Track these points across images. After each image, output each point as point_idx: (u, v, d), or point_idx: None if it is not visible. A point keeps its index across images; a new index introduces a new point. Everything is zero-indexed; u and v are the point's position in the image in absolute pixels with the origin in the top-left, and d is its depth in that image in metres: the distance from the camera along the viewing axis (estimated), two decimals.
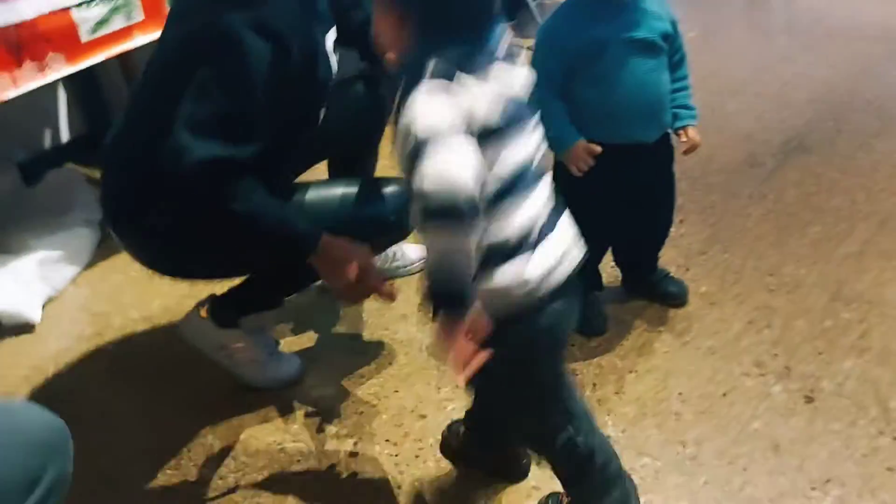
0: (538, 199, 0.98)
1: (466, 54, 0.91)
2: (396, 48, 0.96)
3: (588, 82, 1.38)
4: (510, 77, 0.96)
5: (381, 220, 1.44)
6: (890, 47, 2.75)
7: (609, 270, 1.73)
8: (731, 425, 1.36)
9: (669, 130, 1.48)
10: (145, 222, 1.32)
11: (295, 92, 1.26)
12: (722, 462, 1.29)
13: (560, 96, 1.41)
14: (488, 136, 0.90)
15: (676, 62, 1.45)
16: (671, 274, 1.73)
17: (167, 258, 1.38)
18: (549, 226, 0.99)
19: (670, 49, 1.42)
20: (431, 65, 0.89)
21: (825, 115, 2.38)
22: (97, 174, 2.30)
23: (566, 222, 1.03)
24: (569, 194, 1.49)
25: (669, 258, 1.79)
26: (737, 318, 1.62)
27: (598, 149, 1.39)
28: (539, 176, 0.99)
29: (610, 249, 1.66)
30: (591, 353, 1.56)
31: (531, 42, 1.42)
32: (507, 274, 0.94)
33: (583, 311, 1.62)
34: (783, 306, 1.64)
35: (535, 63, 1.42)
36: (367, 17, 1.22)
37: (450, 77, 0.89)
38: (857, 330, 1.55)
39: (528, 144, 0.97)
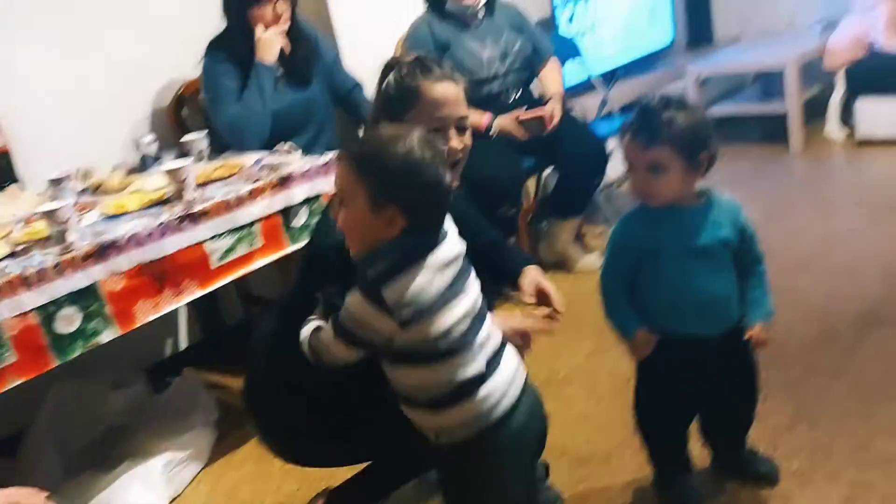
0: (483, 340, 1.29)
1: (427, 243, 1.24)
2: (369, 240, 1.25)
3: (649, 279, 1.55)
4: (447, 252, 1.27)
5: None
6: None
7: (699, 451, 1.78)
8: None
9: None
10: (289, 415, 1.50)
11: None
12: None
13: (625, 290, 1.58)
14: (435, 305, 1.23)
15: (749, 262, 1.57)
16: (760, 453, 1.77)
17: (307, 448, 1.56)
18: (494, 362, 1.29)
19: (738, 252, 1.55)
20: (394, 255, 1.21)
21: None
22: (215, 377, 2.55)
23: (509, 353, 1.34)
24: (650, 382, 1.62)
25: (757, 436, 1.82)
26: (832, 496, 1.63)
27: (654, 338, 1.54)
28: (482, 320, 1.30)
29: (700, 430, 1.73)
30: None
31: (600, 229, 1.60)
32: (464, 409, 1.26)
33: (677, 493, 1.70)
34: (879, 481, 1.64)
35: (606, 258, 1.61)
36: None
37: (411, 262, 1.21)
38: None
39: (467, 301, 1.28)
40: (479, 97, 2.84)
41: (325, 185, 2.08)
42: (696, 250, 1.51)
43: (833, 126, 4.01)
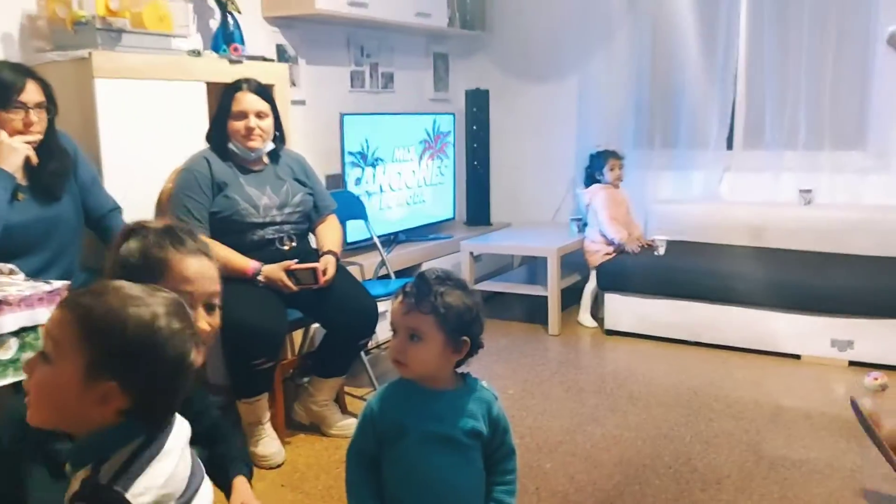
0: None
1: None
2: (66, 416, 1.05)
3: (391, 462, 1.46)
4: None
5: None
6: (682, 413, 3.09)
7: None
8: None
9: None
10: None
11: None
12: None
13: (369, 469, 1.48)
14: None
15: (500, 457, 1.52)
16: None
17: None
18: None
19: (490, 445, 1.50)
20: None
21: (632, 478, 2.56)
22: None
23: None
24: None
25: None
26: None
27: None
28: None
29: None
30: None
31: (362, 392, 1.51)
32: None
33: None
34: None
35: (355, 432, 1.51)
36: None
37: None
38: None
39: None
40: (251, 242, 2.74)
41: (47, 316, 1.81)
42: (442, 437, 1.45)
43: (585, 315, 4.37)
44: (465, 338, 1.46)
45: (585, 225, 4.41)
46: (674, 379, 3.48)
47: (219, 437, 1.60)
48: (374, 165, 4.07)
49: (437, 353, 1.45)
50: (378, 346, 3.81)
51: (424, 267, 3.97)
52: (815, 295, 3.59)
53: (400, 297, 1.47)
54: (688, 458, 2.69)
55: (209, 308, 1.41)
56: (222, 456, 1.57)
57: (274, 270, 2.67)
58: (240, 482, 1.56)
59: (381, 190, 4.15)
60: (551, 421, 3.05)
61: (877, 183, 4.14)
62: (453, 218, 4.84)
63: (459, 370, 1.54)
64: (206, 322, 1.39)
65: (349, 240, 3.79)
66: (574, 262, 4.41)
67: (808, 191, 4.24)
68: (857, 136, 4.23)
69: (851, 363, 3.55)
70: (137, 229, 1.43)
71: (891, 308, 3.44)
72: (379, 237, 3.71)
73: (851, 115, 4.22)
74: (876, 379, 3.27)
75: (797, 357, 3.67)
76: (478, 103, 4.84)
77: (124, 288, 1.08)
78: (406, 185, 4.35)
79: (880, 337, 3.48)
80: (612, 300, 4.14)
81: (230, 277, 2.62)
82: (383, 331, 3.70)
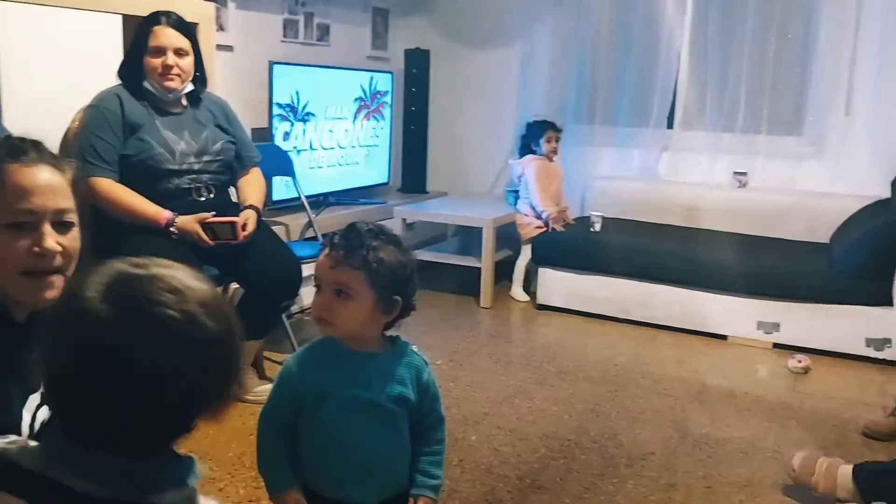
0: None
1: None
2: None
3: (308, 429, 1.33)
4: None
5: None
6: (610, 389, 3.05)
7: None
8: None
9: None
10: None
11: None
12: None
13: (284, 437, 1.35)
14: None
15: (427, 426, 1.41)
16: None
17: None
18: None
19: (417, 413, 1.39)
20: None
21: (557, 452, 2.50)
22: None
23: None
24: None
25: None
26: None
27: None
28: None
29: None
30: None
31: (282, 358, 1.37)
32: None
33: None
34: None
35: (270, 396, 1.37)
36: None
37: None
38: None
39: None
40: (165, 190, 2.53)
41: None
42: (367, 403, 1.33)
43: (517, 289, 4.29)
44: (396, 297, 1.34)
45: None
46: (602, 355, 3.44)
47: None
48: (304, 121, 3.87)
49: (366, 312, 1.32)
50: (302, 311, 3.65)
51: None
52: (743, 277, 3.60)
53: (326, 250, 1.33)
54: (613, 433, 2.65)
55: (60, 226, 1.24)
56: None
57: (189, 222, 2.47)
58: None
59: (312, 147, 3.95)
60: (478, 393, 2.96)
61: (810, 169, 4.18)
62: (387, 183, 4.68)
63: (388, 333, 1.41)
64: (54, 241, 1.23)
65: (274, 198, 3.60)
66: (508, 235, 4.32)
67: (743, 174, 4.25)
68: (795, 122, 4.26)
69: (776, 345, 3.57)
70: None
71: (817, 292, 3.47)
72: (307, 197, 3.53)
73: (790, 100, 4.25)
74: (800, 362, 3.30)
75: (724, 337, 3.68)
76: (418, 64, 4.67)
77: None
78: (339, 144, 4.16)
79: (805, 320, 3.51)
80: (545, 275, 4.07)
81: (140, 228, 2.48)
82: (308, 296, 3.55)
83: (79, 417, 0.78)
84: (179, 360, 0.77)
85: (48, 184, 1.22)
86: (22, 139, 1.25)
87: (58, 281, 1.24)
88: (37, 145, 1.25)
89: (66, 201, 1.25)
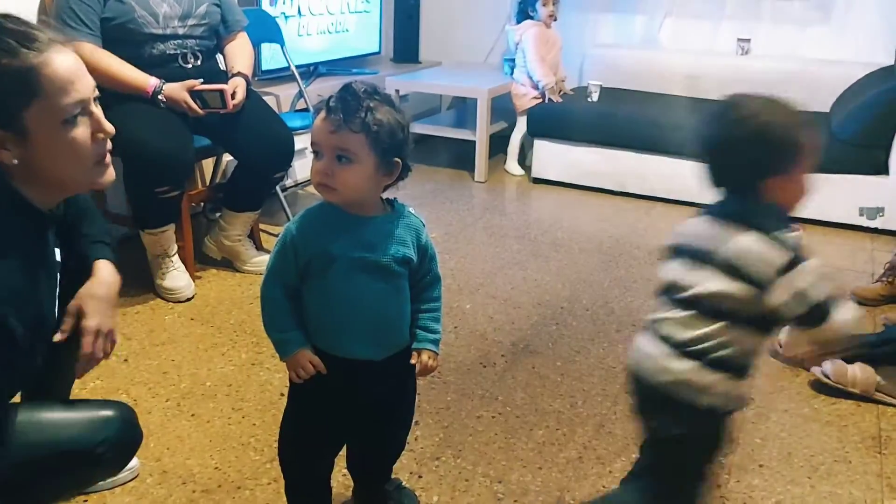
0: None
1: None
2: None
3: (315, 292, 1.34)
4: None
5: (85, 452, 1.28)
6: (602, 259, 3.08)
7: (340, 479, 1.61)
8: None
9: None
10: None
11: None
12: None
13: (290, 299, 1.36)
14: None
15: (425, 284, 1.43)
16: (403, 483, 1.66)
17: None
18: None
19: (417, 273, 1.40)
20: None
21: (549, 318, 2.56)
22: None
23: None
24: (299, 400, 1.40)
25: (404, 464, 1.73)
26: None
27: (321, 364, 1.34)
28: None
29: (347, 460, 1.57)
30: None
31: (278, 231, 1.36)
32: None
33: None
34: None
35: (272, 260, 1.37)
36: None
37: None
38: None
39: None
40: (150, 57, 2.44)
41: None
42: (371, 264, 1.33)
43: (512, 163, 4.26)
44: (397, 159, 1.31)
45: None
46: (597, 227, 3.46)
47: (85, 215, 1.44)
48: None
49: (369, 175, 1.30)
50: (297, 185, 3.63)
51: None
52: None
53: (323, 114, 1.28)
54: (605, 301, 2.70)
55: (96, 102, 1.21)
56: (85, 236, 1.42)
57: (176, 90, 2.40)
58: (101, 266, 1.40)
59: (300, 13, 3.79)
60: (473, 264, 2.99)
61: (815, 35, 4.05)
62: (379, 52, 4.53)
63: (385, 195, 1.40)
64: (101, 127, 1.20)
65: (263, 68, 3.49)
66: (504, 108, 4.23)
67: (747, 40, 4.13)
68: None
69: None
70: None
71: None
72: (297, 67, 3.42)
73: None
74: (793, 231, 3.31)
75: None
76: None
77: None
78: (328, 9, 3.99)
79: None
80: (540, 147, 4.02)
81: (127, 95, 2.41)
82: (302, 169, 3.52)
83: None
84: None
85: (78, 65, 1.16)
86: (18, 20, 1.15)
87: (110, 159, 1.23)
88: (28, 23, 1.16)
89: (90, 75, 1.19)
